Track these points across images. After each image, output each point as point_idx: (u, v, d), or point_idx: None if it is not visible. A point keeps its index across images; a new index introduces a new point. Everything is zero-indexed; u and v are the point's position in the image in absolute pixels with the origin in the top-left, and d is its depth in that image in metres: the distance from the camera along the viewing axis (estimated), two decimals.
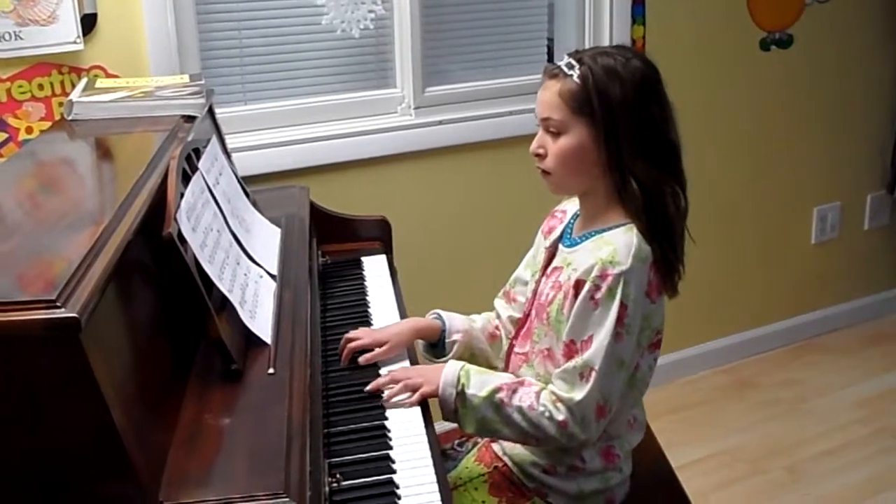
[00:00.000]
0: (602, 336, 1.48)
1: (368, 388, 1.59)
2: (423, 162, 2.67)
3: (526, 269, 1.77)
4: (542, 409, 1.51)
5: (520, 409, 1.52)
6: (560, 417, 1.50)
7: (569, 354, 1.53)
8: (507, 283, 1.81)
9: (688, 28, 2.97)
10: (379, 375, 1.63)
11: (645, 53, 1.63)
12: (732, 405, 3.12)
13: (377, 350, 1.69)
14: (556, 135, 1.55)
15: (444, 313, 1.81)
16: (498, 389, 1.54)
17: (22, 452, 1.04)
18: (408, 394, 1.57)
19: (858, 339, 3.54)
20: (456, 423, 1.58)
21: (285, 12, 2.49)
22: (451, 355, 1.76)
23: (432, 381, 1.56)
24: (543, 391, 1.54)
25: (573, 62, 1.53)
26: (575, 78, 1.51)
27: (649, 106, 1.53)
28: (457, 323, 1.79)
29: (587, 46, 2.80)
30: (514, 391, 1.54)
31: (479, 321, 1.82)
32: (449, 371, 1.56)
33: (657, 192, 1.52)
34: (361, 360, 1.68)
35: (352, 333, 1.73)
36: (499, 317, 1.81)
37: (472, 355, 1.77)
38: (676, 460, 1.92)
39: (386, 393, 1.57)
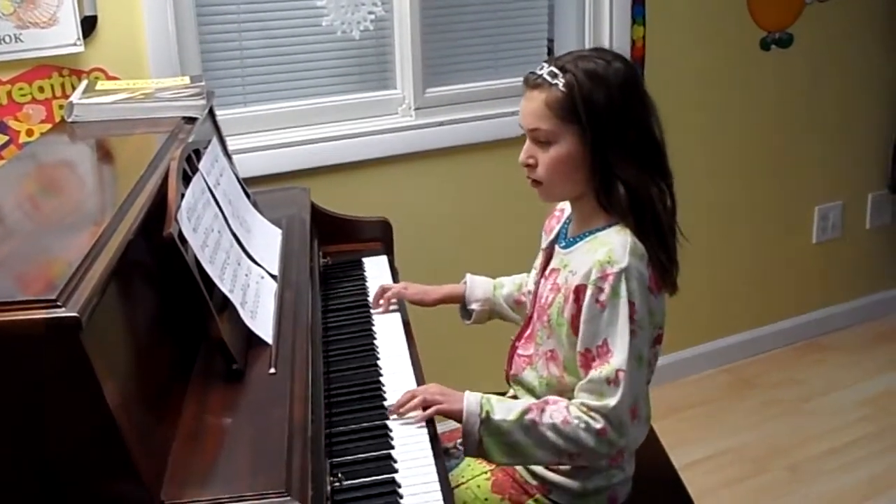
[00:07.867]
0: (620, 337, 1.46)
1: (391, 409, 1.53)
2: (424, 163, 2.67)
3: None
4: (576, 421, 1.46)
5: (553, 427, 1.47)
6: (598, 426, 1.46)
7: (586, 364, 1.50)
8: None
9: (688, 28, 2.97)
10: (379, 381, 1.63)
11: (622, 54, 1.62)
12: (735, 405, 3.12)
13: (406, 292, 1.92)
14: (546, 144, 1.54)
15: (471, 279, 1.93)
16: (527, 410, 1.49)
17: (23, 452, 1.04)
18: (420, 404, 1.52)
19: (860, 338, 3.53)
20: (478, 455, 1.53)
21: (285, 14, 2.49)
22: (472, 320, 1.92)
23: (454, 401, 1.51)
24: (571, 405, 1.49)
25: (556, 70, 1.52)
26: (560, 87, 1.51)
27: (633, 106, 1.52)
28: (478, 292, 1.91)
29: (587, 46, 2.82)
30: (543, 410, 1.49)
31: (507, 287, 1.90)
32: (471, 399, 1.51)
33: (645, 193, 1.52)
34: (381, 299, 1.92)
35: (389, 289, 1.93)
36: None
37: (498, 317, 1.92)
38: (679, 460, 1.92)
39: (406, 406, 1.52)
